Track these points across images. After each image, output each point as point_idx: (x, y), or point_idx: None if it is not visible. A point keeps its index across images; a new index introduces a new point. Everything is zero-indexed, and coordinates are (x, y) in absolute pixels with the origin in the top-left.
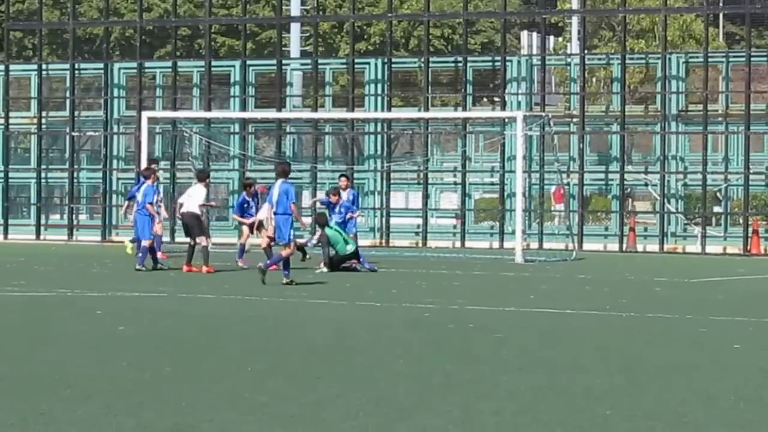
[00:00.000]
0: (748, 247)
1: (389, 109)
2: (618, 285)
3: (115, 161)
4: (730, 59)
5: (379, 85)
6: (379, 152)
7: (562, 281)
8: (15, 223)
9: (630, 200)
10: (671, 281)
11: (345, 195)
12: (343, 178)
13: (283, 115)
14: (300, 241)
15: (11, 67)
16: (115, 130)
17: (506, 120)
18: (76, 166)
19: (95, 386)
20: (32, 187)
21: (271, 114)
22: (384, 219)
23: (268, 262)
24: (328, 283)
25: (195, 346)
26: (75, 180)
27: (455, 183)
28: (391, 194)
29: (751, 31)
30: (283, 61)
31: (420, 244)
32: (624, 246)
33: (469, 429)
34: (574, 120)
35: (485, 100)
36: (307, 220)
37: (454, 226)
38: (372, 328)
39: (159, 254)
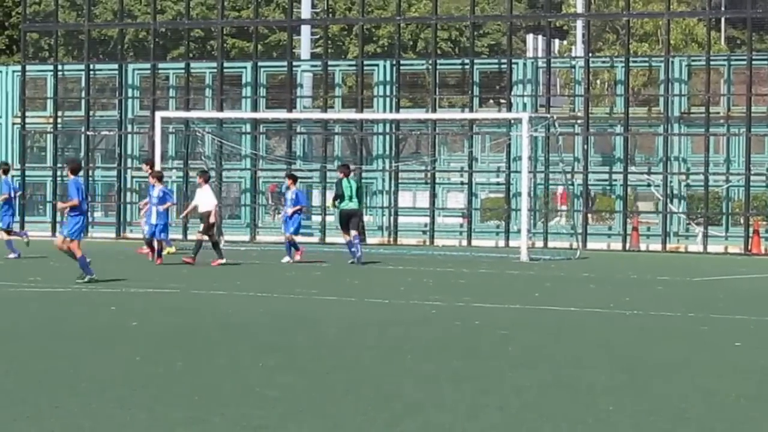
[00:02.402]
0: (749, 247)
1: (397, 110)
2: (621, 283)
3: (129, 160)
4: (732, 62)
5: (388, 87)
6: (387, 152)
7: (567, 279)
8: (31, 221)
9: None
10: (673, 280)
11: (289, 195)
12: (288, 179)
13: (294, 115)
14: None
15: (28, 67)
16: (129, 129)
17: (512, 121)
18: (91, 165)
19: (109, 380)
20: (48, 185)
21: (282, 114)
22: (392, 218)
23: None
24: (337, 281)
25: (207, 341)
26: (90, 178)
27: (462, 183)
28: (399, 193)
29: (752, 35)
30: (294, 63)
31: (427, 243)
32: (627, 245)
33: (475, 424)
34: (579, 121)
35: (491, 101)
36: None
37: (461, 225)
38: (380, 325)
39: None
